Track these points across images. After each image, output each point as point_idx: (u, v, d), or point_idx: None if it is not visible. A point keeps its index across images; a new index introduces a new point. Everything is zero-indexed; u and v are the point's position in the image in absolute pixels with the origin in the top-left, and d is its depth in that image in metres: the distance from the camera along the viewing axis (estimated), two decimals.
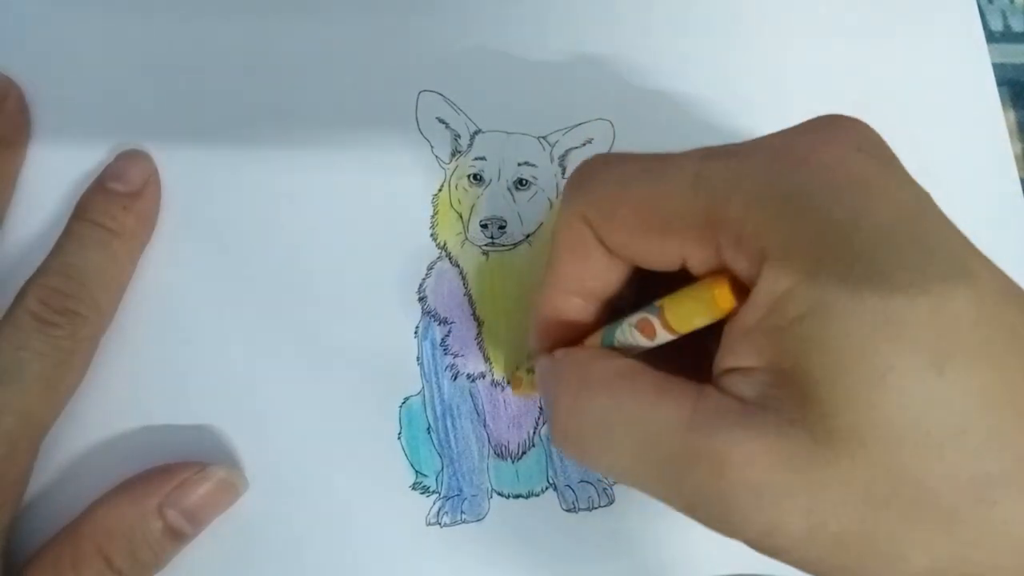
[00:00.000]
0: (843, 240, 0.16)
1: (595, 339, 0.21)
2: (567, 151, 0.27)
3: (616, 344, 0.20)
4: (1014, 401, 0.16)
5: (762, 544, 0.17)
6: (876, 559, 0.16)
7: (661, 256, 0.19)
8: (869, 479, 0.15)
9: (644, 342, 0.19)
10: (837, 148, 0.17)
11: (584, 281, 0.21)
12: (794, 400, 0.16)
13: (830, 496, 0.15)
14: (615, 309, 0.21)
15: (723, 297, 0.17)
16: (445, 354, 0.26)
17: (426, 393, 0.26)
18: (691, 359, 0.19)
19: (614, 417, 0.18)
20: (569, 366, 0.20)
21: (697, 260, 0.18)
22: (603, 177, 0.20)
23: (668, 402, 0.17)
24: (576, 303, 0.21)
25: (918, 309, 0.15)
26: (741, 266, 0.17)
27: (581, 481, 0.26)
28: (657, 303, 0.19)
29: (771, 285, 0.16)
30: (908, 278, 0.15)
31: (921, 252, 0.16)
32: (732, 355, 0.17)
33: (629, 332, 0.19)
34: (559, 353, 0.21)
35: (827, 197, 0.16)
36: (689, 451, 0.17)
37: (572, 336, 0.22)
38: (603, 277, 0.21)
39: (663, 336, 0.19)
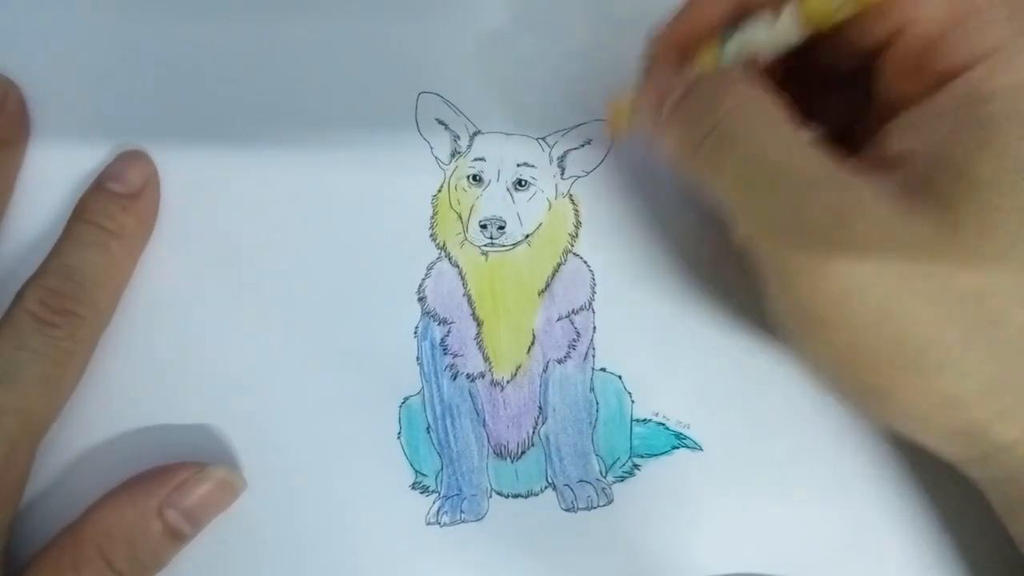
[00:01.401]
0: None
1: (709, 50, 0.20)
2: (566, 152, 0.27)
3: (739, 47, 0.20)
4: None
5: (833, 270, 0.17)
6: (937, 355, 0.16)
7: None
8: (960, 283, 0.15)
9: (768, 42, 0.19)
10: None
11: None
12: (946, 188, 0.15)
13: (916, 271, 0.15)
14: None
15: None
16: (444, 354, 0.26)
17: (425, 393, 0.26)
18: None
19: (770, 144, 0.18)
20: (740, 97, 0.19)
21: None
22: None
23: (817, 151, 0.18)
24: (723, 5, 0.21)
25: None
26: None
27: (580, 481, 0.26)
28: None
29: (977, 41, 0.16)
30: None
31: None
32: (894, 138, 0.17)
33: (760, 28, 0.19)
34: (694, 75, 0.21)
35: None
36: (828, 178, 0.17)
37: (691, 49, 0.21)
38: None
39: (790, 31, 0.19)
